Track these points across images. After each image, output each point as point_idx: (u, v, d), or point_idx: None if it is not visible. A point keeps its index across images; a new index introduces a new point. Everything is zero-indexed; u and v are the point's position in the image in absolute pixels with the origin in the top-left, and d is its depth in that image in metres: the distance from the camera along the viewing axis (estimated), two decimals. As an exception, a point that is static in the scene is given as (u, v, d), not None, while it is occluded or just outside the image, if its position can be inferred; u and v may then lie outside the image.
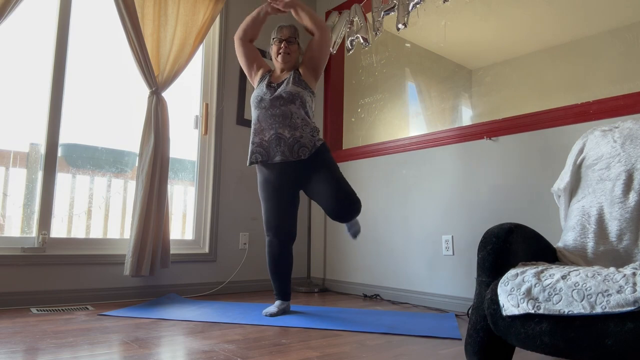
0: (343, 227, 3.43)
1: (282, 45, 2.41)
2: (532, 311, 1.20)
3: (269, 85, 2.37)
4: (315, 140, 2.31)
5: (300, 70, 2.43)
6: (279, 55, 2.41)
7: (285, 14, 2.55)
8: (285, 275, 2.39)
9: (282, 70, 2.45)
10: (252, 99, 2.38)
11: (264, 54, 3.37)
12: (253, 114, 2.38)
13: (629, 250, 1.48)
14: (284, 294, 2.40)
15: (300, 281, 3.62)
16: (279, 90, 2.32)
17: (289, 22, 3.77)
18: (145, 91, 2.92)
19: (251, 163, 2.34)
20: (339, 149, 3.60)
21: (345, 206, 2.24)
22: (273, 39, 2.46)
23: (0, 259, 2.41)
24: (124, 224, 2.96)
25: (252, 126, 2.37)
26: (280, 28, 2.46)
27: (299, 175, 2.32)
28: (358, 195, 2.38)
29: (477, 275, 1.41)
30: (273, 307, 2.35)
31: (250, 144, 2.37)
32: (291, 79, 2.37)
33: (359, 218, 3.18)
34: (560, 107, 2.32)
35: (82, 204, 2.82)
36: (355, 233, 2.50)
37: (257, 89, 2.41)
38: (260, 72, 2.49)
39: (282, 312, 2.35)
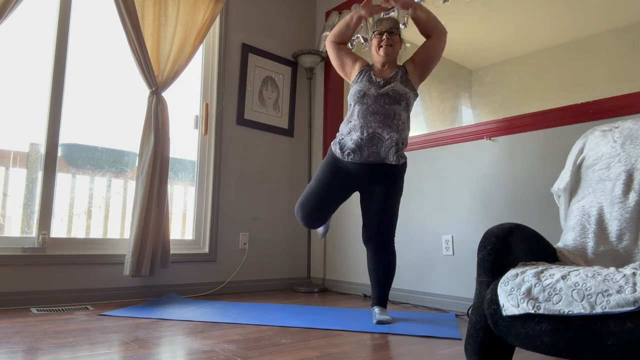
0: (343, 227, 3.43)
1: (384, 37, 2.27)
2: (532, 311, 1.20)
3: (372, 80, 2.25)
4: (404, 151, 2.26)
5: (408, 68, 2.31)
6: (381, 48, 2.27)
7: (379, 15, 2.46)
8: (321, 223, 2.44)
9: (383, 65, 2.31)
10: (354, 93, 2.26)
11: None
12: (351, 108, 2.27)
13: (629, 250, 1.48)
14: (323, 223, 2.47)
15: (300, 281, 3.62)
16: (386, 87, 2.21)
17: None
18: (145, 91, 2.92)
19: (343, 159, 2.25)
20: (339, 149, 3.60)
21: (383, 230, 2.25)
22: (373, 32, 2.33)
23: (0, 259, 2.41)
24: (124, 224, 2.96)
25: (349, 121, 2.26)
26: (380, 21, 2.33)
27: (374, 178, 2.25)
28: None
29: (477, 275, 1.41)
30: (320, 229, 2.56)
31: (342, 136, 2.27)
32: (398, 77, 2.25)
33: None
34: (560, 107, 2.32)
35: (82, 204, 2.82)
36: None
37: (357, 83, 2.27)
38: (357, 66, 2.35)
39: (328, 227, 2.57)
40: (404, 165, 2.29)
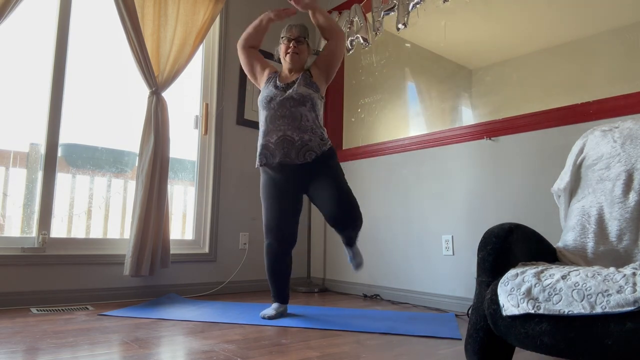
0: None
1: (291, 44, 2.34)
2: (532, 311, 1.20)
3: (277, 86, 2.31)
4: (323, 145, 2.26)
5: (312, 71, 2.37)
6: (288, 55, 2.35)
7: (290, 18, 2.52)
8: (284, 279, 2.34)
9: (290, 71, 2.38)
10: (261, 100, 2.32)
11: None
12: (260, 115, 2.32)
13: (629, 250, 1.48)
14: (282, 297, 2.34)
15: (300, 281, 3.62)
16: (289, 91, 2.26)
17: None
18: (145, 91, 2.92)
19: (259, 165, 2.30)
20: (339, 149, 3.59)
21: (346, 211, 2.20)
22: (282, 37, 2.39)
23: (0, 259, 2.41)
24: (124, 224, 2.96)
25: (260, 127, 2.31)
26: (290, 27, 2.39)
27: (303, 179, 2.27)
28: (358, 199, 2.34)
29: (477, 275, 1.41)
30: (271, 310, 2.30)
31: (258, 145, 2.32)
32: (302, 80, 2.31)
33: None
34: (560, 107, 2.32)
35: (82, 204, 2.82)
36: (358, 264, 2.43)
37: (264, 89, 2.34)
38: (266, 73, 2.42)
39: (280, 315, 2.30)
40: (329, 150, 2.28)
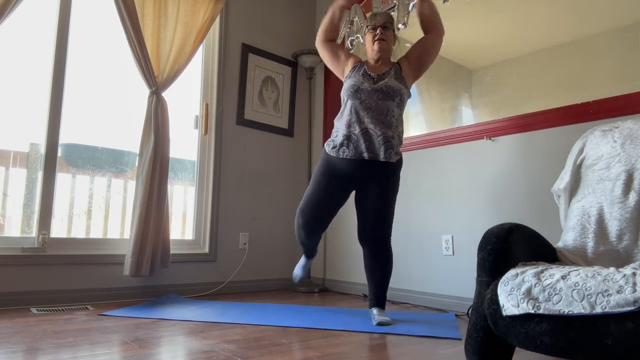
0: (343, 227, 3.43)
1: (378, 31, 2.24)
2: (532, 311, 1.20)
3: (366, 75, 2.21)
4: (399, 146, 2.22)
5: (402, 65, 2.28)
6: (375, 43, 2.24)
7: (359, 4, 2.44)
8: (313, 244, 2.46)
9: (377, 61, 2.28)
10: (347, 88, 2.22)
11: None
12: (345, 104, 2.24)
13: (629, 250, 1.48)
14: (311, 254, 2.57)
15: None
16: (380, 83, 2.18)
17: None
18: (145, 91, 2.92)
19: (335, 155, 2.21)
20: (339, 149, 3.60)
21: (380, 229, 2.22)
22: (367, 27, 2.30)
23: (0, 259, 2.41)
24: (124, 224, 2.96)
25: (343, 117, 2.23)
26: (374, 15, 2.30)
27: (369, 176, 2.21)
28: None
29: (477, 275, 1.41)
30: (298, 268, 2.65)
31: (335, 134, 2.24)
32: (392, 72, 2.22)
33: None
34: (560, 107, 2.32)
35: (82, 204, 2.82)
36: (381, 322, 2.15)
37: (351, 78, 2.23)
38: (351, 62, 2.32)
39: (308, 267, 2.65)
40: (399, 162, 2.26)
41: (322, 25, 2.39)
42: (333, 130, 2.30)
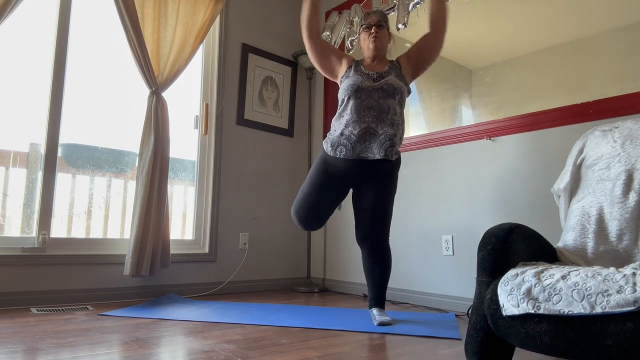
0: (343, 227, 3.43)
1: (373, 30, 2.23)
2: (532, 311, 1.20)
3: (365, 74, 2.19)
4: (400, 144, 2.20)
5: (401, 62, 2.27)
6: (370, 41, 2.22)
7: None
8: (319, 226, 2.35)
9: (373, 59, 2.26)
10: (346, 87, 2.19)
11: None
12: (345, 103, 2.21)
13: (629, 250, 1.48)
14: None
15: (300, 281, 3.62)
16: (380, 81, 2.16)
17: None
18: (145, 91, 2.92)
19: (331, 154, 2.20)
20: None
21: (378, 229, 2.21)
22: (361, 26, 2.29)
23: (0, 259, 2.41)
24: (124, 224, 2.96)
25: (342, 116, 2.21)
26: (368, 14, 2.28)
27: (367, 175, 2.19)
28: None
29: (477, 275, 1.41)
30: None
31: (333, 133, 2.22)
32: (392, 70, 2.21)
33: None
34: (560, 107, 2.32)
35: (82, 204, 2.82)
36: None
37: (349, 77, 2.21)
38: (345, 62, 2.29)
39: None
40: (398, 161, 2.24)
41: (304, 16, 2.28)
42: (331, 129, 2.28)
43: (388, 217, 2.25)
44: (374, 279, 2.26)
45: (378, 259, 2.25)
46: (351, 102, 2.18)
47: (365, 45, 2.29)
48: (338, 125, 2.22)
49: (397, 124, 2.18)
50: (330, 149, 2.21)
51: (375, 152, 2.14)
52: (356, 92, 2.16)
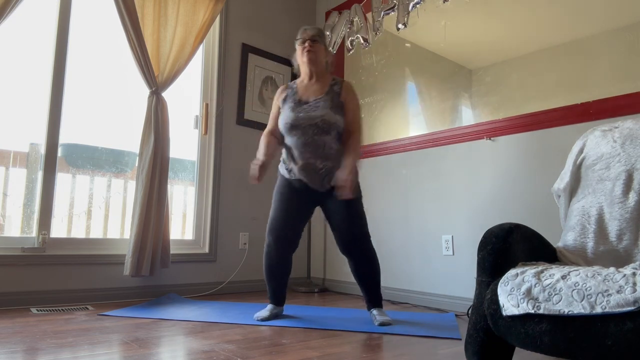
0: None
1: (306, 44, 2.21)
2: (532, 311, 1.20)
3: (298, 103, 2.20)
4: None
5: (342, 92, 2.23)
6: (304, 54, 2.21)
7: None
8: (280, 281, 2.27)
9: (310, 77, 2.26)
10: (282, 125, 2.21)
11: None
12: (285, 136, 2.24)
13: (629, 250, 1.48)
14: (277, 299, 2.29)
15: (300, 281, 3.62)
16: (315, 113, 2.14)
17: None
18: (145, 91, 2.92)
19: (289, 177, 2.24)
20: (339, 149, 3.60)
21: (353, 235, 2.17)
22: (297, 40, 2.28)
23: (0, 259, 2.41)
24: (124, 224, 2.96)
25: (286, 150, 2.25)
26: (304, 30, 2.27)
27: (322, 195, 2.23)
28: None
29: (477, 275, 1.41)
30: (265, 311, 2.24)
31: (283, 162, 2.28)
32: (329, 99, 2.18)
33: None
34: (560, 107, 2.32)
35: (82, 204, 2.82)
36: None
37: (284, 112, 2.23)
38: (281, 98, 2.30)
39: (274, 316, 2.25)
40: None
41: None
42: (282, 152, 2.29)
43: (360, 220, 2.21)
44: (365, 283, 2.26)
45: (362, 262, 2.22)
46: (288, 139, 2.21)
47: (300, 60, 2.28)
48: (284, 152, 2.26)
49: (335, 157, 2.18)
50: (285, 171, 2.27)
51: (318, 186, 2.19)
52: (290, 130, 2.18)
